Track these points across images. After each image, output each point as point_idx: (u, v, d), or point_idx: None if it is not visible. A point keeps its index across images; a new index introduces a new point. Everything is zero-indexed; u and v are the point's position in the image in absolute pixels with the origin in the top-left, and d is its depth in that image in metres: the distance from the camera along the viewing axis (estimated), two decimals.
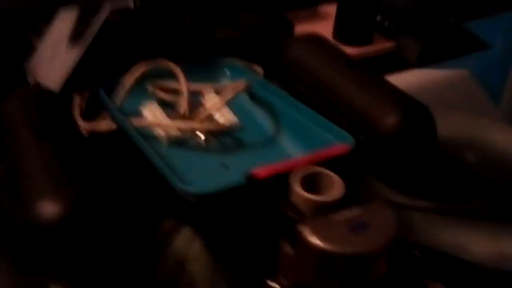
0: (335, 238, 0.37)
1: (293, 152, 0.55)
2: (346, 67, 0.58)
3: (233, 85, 0.60)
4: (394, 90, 0.56)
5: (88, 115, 0.61)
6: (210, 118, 0.58)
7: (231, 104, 0.60)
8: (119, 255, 0.47)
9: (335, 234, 0.37)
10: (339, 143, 0.50)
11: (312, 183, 0.42)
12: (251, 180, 0.43)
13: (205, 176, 0.51)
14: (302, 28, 0.79)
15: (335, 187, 0.41)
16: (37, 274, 0.45)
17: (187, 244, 0.51)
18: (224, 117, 0.59)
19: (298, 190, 0.41)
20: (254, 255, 0.48)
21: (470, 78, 0.80)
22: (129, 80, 0.59)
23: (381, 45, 0.76)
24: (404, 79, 0.72)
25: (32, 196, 0.42)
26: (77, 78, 0.63)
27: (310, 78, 0.60)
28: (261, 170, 0.43)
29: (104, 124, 0.58)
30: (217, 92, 0.61)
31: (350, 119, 0.55)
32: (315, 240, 0.37)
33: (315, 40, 0.63)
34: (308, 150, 0.52)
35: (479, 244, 0.53)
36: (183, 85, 0.59)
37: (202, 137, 0.56)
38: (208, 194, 0.44)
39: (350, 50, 0.74)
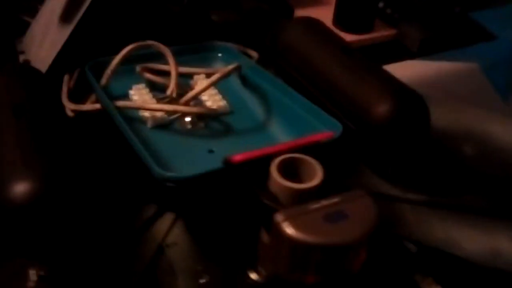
0: (310, 228, 0.35)
1: (280, 138, 0.53)
2: (341, 53, 0.56)
3: (223, 68, 0.58)
4: (388, 78, 0.54)
5: (78, 95, 0.60)
6: (198, 101, 0.57)
7: (222, 88, 0.59)
8: (98, 239, 0.45)
9: (311, 224, 0.36)
10: (326, 130, 0.48)
11: (293, 170, 0.40)
12: (228, 165, 0.41)
13: (187, 161, 0.50)
14: (302, 13, 0.77)
15: (315, 175, 0.39)
16: (14, 258, 0.43)
17: (167, 229, 0.50)
18: (212, 100, 0.57)
19: (276, 177, 0.39)
20: (235, 243, 0.46)
21: (478, 71, 0.78)
22: (115, 59, 0.57)
23: (382, 33, 0.74)
24: (408, 69, 0.71)
25: (1, 176, 0.41)
26: (67, 58, 0.61)
27: (303, 64, 0.58)
28: (237, 155, 0.41)
29: (90, 104, 0.57)
30: (208, 76, 0.60)
31: (342, 106, 0.53)
32: (289, 230, 0.35)
33: (310, 24, 0.61)
34: (295, 136, 0.51)
35: (472, 240, 0.51)
36: (172, 66, 0.57)
37: (189, 120, 0.54)
38: (185, 178, 0.42)
39: (350, 37, 0.72)
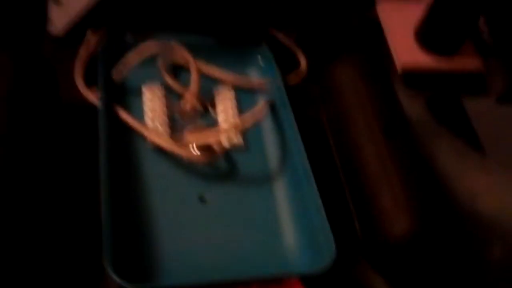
0: None
1: (277, 206, 0.48)
2: (381, 135, 0.47)
3: (253, 113, 0.50)
4: (419, 188, 0.45)
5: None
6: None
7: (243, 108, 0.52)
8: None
9: None
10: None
11: None
12: None
13: (168, 215, 0.45)
14: (385, 6, 0.64)
15: None
16: None
17: None
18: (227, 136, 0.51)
19: None
20: None
21: None
22: (133, 58, 0.50)
23: (464, 61, 0.61)
24: None
25: None
26: (93, 20, 0.54)
27: (336, 123, 0.50)
28: None
29: (94, 94, 0.51)
30: (235, 85, 0.53)
31: (358, 203, 0.47)
32: None
33: (366, 75, 0.50)
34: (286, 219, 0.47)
35: None
36: (193, 81, 0.50)
37: (194, 150, 0.48)
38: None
39: (424, 58, 0.60)
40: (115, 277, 0.38)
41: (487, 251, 0.51)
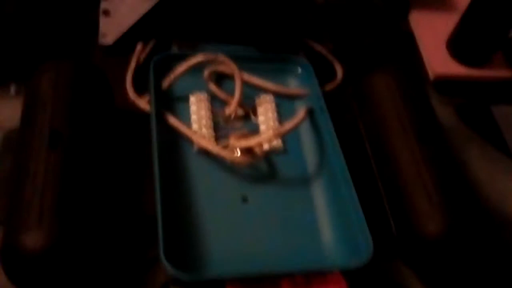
0: None
1: (315, 208, 0.51)
2: (415, 140, 0.50)
3: (293, 119, 0.53)
4: (452, 190, 0.48)
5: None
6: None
7: (283, 114, 0.56)
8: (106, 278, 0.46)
9: None
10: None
11: None
12: None
13: (213, 214, 0.48)
14: (418, 17, 0.67)
15: None
16: None
17: None
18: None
19: None
20: None
21: None
22: (182, 68, 0.54)
23: (495, 72, 0.64)
24: None
25: (18, 225, 0.42)
26: (145, 27, 0.58)
27: (372, 129, 0.53)
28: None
29: (145, 102, 0.55)
30: (275, 93, 0.57)
31: (394, 203, 0.49)
32: None
33: (399, 85, 0.53)
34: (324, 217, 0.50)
35: None
36: (237, 89, 0.54)
37: (237, 153, 0.52)
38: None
39: (455, 69, 0.63)
40: (170, 267, 0.42)
41: None
